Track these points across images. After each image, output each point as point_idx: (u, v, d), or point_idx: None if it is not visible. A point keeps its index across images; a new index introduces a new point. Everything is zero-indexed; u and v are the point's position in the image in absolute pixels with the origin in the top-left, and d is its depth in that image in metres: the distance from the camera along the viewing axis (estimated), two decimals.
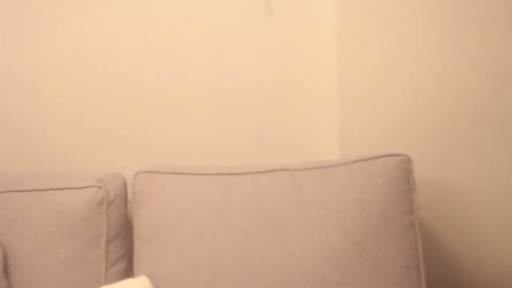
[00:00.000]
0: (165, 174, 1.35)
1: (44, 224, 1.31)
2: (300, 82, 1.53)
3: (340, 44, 1.47)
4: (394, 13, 1.44)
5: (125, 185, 1.40)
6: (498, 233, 1.44)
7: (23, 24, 1.54)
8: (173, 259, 1.27)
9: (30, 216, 1.31)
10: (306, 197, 1.27)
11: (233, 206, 1.28)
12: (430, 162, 1.44)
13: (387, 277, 1.22)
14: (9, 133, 1.56)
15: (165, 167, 1.37)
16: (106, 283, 1.31)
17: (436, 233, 1.48)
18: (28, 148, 1.57)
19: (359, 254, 1.22)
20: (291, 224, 1.25)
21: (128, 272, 1.37)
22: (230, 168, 1.34)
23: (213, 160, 1.48)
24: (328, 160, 1.36)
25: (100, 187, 1.33)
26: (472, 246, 1.46)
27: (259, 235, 1.25)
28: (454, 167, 1.45)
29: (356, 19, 1.46)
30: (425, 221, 1.45)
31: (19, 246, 1.30)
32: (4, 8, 1.54)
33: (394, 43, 1.45)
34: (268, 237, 1.25)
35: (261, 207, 1.27)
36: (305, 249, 1.23)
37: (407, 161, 1.30)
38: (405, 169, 1.29)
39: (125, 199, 1.40)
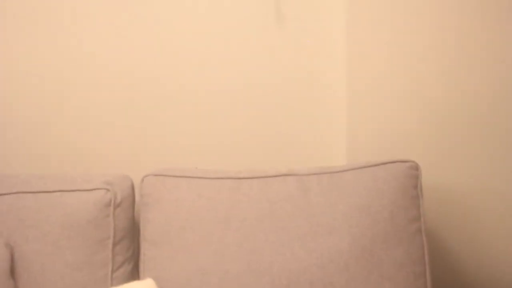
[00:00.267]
0: (173, 177, 1.35)
1: (52, 225, 1.31)
2: (308, 87, 1.54)
3: (349, 49, 1.47)
4: (403, 18, 1.44)
5: (132, 188, 1.41)
6: (506, 239, 1.44)
7: (33, 27, 1.55)
8: (180, 262, 1.27)
9: (38, 218, 1.31)
10: (313, 202, 1.28)
11: (241, 210, 1.28)
12: (438, 169, 1.44)
13: (393, 282, 1.22)
14: (17, 135, 1.57)
15: (173, 170, 1.37)
16: (112, 285, 1.32)
17: (443, 240, 1.48)
18: (37, 150, 1.57)
19: (366, 259, 1.22)
20: (298, 228, 1.26)
21: (134, 274, 1.37)
22: (238, 172, 1.35)
23: (221, 164, 1.49)
24: (336, 165, 1.37)
25: (107, 190, 1.34)
26: (479, 252, 1.46)
27: (266, 239, 1.26)
28: (462, 173, 1.45)
29: (365, 25, 1.46)
30: (432, 227, 1.45)
31: (26, 247, 1.30)
32: (8, 11, 1.54)
33: (403, 50, 1.45)
34: (276, 241, 1.25)
35: (269, 211, 1.28)
36: (312, 254, 1.23)
37: (415, 167, 1.30)
38: (412, 176, 1.29)
39: (133, 202, 1.40)
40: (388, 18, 1.45)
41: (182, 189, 1.33)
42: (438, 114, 1.45)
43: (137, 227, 1.38)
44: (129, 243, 1.38)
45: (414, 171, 1.30)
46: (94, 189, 1.34)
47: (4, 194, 1.33)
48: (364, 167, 1.32)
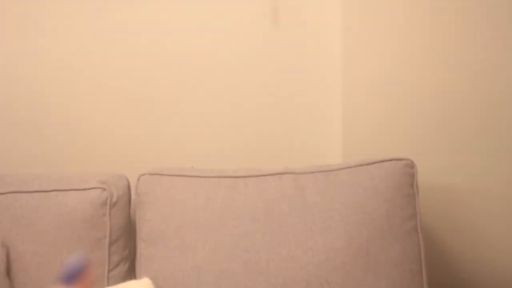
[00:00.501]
0: (169, 176, 1.35)
1: (48, 225, 1.31)
2: (304, 86, 1.54)
3: (345, 49, 1.47)
4: (399, 20, 1.44)
5: (128, 187, 1.41)
6: (501, 238, 1.44)
7: (26, 28, 1.55)
8: (177, 261, 1.27)
9: (34, 217, 1.31)
10: (310, 201, 1.28)
11: (237, 209, 1.28)
12: (433, 167, 1.44)
13: (389, 281, 1.22)
14: (13, 135, 1.57)
15: (169, 169, 1.37)
16: (108, 284, 1.31)
17: (439, 237, 1.48)
18: (33, 150, 1.57)
19: (362, 257, 1.22)
20: (295, 227, 1.26)
21: (130, 274, 1.37)
22: (235, 171, 1.35)
23: (217, 163, 1.48)
24: (332, 164, 1.37)
25: (103, 189, 1.34)
26: (474, 250, 1.46)
27: (263, 238, 1.25)
28: (457, 171, 1.45)
29: (360, 24, 1.46)
30: (428, 225, 1.45)
31: (22, 247, 1.30)
32: (5, 12, 1.54)
33: (398, 49, 1.45)
34: (272, 240, 1.25)
35: (265, 210, 1.28)
36: (308, 252, 1.23)
37: (411, 165, 1.30)
38: (408, 174, 1.30)
39: (129, 201, 1.40)
40: (383, 17, 1.45)
41: (178, 188, 1.33)
42: (434, 112, 1.45)
43: (133, 226, 1.38)
44: (125, 242, 1.38)
45: (410, 169, 1.30)
46: (90, 189, 1.34)
47: (0, 193, 1.33)
48: (360, 165, 1.31)
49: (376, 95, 1.47)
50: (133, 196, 1.40)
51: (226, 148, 1.56)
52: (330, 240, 1.24)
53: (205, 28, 1.54)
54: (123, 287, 1.25)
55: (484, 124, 1.43)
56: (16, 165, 1.55)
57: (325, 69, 1.51)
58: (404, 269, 1.23)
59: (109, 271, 1.33)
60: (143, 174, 1.37)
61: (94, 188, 1.34)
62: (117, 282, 1.32)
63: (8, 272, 1.28)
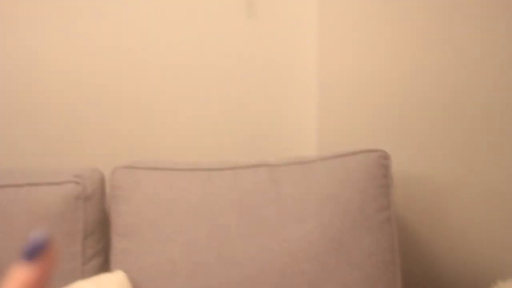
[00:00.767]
0: (144, 170, 1.34)
1: (20, 220, 1.29)
2: (278, 78, 1.54)
3: (320, 41, 1.48)
4: (373, 13, 1.45)
5: (103, 181, 1.40)
6: (475, 228, 1.46)
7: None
8: (151, 254, 1.27)
9: (6, 212, 1.30)
10: (284, 192, 1.28)
11: (212, 201, 1.28)
12: (408, 158, 1.46)
13: (363, 271, 1.23)
14: None
15: (143, 163, 1.36)
16: (83, 278, 1.30)
17: (413, 228, 1.49)
18: (5, 144, 1.55)
19: (335, 248, 1.23)
20: (269, 219, 1.26)
21: (104, 267, 1.36)
22: (209, 163, 1.34)
23: (192, 156, 1.48)
24: (307, 155, 1.37)
25: (77, 183, 1.32)
26: (448, 241, 1.48)
27: (238, 229, 1.26)
28: (432, 162, 1.46)
29: (335, 17, 1.47)
30: (402, 216, 1.46)
31: None
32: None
33: (372, 42, 1.46)
34: (247, 231, 1.25)
35: (240, 202, 1.28)
36: (283, 244, 1.24)
37: (385, 156, 1.31)
38: (382, 165, 1.30)
39: (103, 195, 1.39)
40: (359, 9, 1.46)
41: (153, 181, 1.32)
42: (408, 104, 1.46)
43: (108, 220, 1.37)
44: (99, 236, 1.37)
45: (384, 160, 1.31)
46: (64, 182, 1.32)
47: None
48: (335, 157, 1.32)
49: (351, 87, 1.48)
50: (107, 190, 1.39)
51: (201, 141, 1.55)
52: (304, 231, 1.24)
53: (178, 21, 1.53)
54: (97, 280, 1.25)
55: (458, 115, 1.45)
56: None
57: (300, 61, 1.52)
58: (377, 259, 1.24)
59: (83, 264, 1.32)
60: (117, 167, 1.36)
61: (68, 182, 1.32)
62: (92, 275, 1.31)
63: None
